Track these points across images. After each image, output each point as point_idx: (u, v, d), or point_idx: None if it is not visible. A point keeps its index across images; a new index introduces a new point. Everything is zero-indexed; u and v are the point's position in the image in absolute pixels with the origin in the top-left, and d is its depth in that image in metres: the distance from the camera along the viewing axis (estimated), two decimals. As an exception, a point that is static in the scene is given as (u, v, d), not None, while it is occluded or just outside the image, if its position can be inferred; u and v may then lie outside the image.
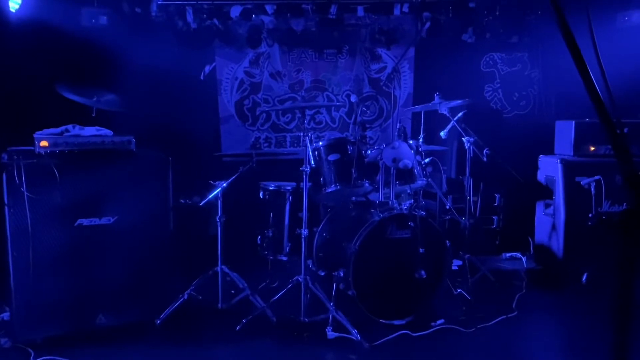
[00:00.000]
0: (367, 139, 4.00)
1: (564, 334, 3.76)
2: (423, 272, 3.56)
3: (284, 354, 3.30)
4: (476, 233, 4.85)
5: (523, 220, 5.08)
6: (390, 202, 3.75)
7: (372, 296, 3.55)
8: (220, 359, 3.28)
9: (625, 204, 1.44)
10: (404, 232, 3.63)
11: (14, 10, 4.16)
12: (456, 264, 4.63)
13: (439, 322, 3.58)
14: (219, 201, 3.77)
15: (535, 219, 4.89)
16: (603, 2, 4.76)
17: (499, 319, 3.69)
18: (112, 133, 3.46)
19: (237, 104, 5.41)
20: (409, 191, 4.12)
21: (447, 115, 4.25)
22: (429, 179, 4.02)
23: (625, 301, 1.14)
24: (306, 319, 3.54)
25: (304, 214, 3.57)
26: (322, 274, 3.93)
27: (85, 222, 3.30)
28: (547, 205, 4.71)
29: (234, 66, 5.35)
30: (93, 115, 3.92)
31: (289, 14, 5.12)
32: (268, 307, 3.60)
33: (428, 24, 5.22)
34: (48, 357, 3.07)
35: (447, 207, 4.54)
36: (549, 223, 4.65)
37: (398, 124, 3.99)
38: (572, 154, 4.53)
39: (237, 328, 3.48)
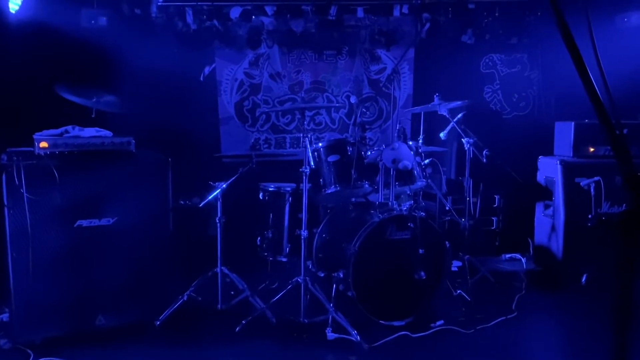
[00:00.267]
0: (367, 140, 4.00)
1: (563, 335, 3.76)
2: (423, 273, 3.57)
3: (284, 355, 3.29)
4: (476, 234, 4.85)
5: (523, 221, 5.08)
6: (390, 203, 3.75)
7: (371, 297, 3.54)
8: (220, 360, 3.28)
9: (624, 204, 1.44)
10: (404, 233, 3.63)
11: (13, 12, 4.16)
12: (456, 265, 4.62)
13: (438, 323, 3.58)
14: (219, 202, 3.77)
15: (535, 220, 4.88)
16: (602, 4, 4.77)
17: (499, 320, 3.70)
18: (111, 134, 3.46)
19: (237, 105, 5.40)
20: (408, 192, 4.12)
21: (447, 116, 4.25)
22: (429, 180, 4.02)
23: (625, 302, 1.14)
24: (306, 320, 3.54)
25: (304, 215, 3.57)
26: (322, 275, 3.92)
27: (84, 223, 3.30)
28: (546, 206, 4.71)
29: (233, 67, 5.35)
30: (93, 116, 3.91)
31: (288, 15, 5.13)
32: (268, 308, 3.60)
33: (427, 25, 5.22)
34: (47, 358, 3.07)
35: (447, 208, 4.55)
36: (548, 224, 4.65)
37: (398, 125, 4.00)
38: (571, 155, 4.53)
39: (237, 329, 3.48)
